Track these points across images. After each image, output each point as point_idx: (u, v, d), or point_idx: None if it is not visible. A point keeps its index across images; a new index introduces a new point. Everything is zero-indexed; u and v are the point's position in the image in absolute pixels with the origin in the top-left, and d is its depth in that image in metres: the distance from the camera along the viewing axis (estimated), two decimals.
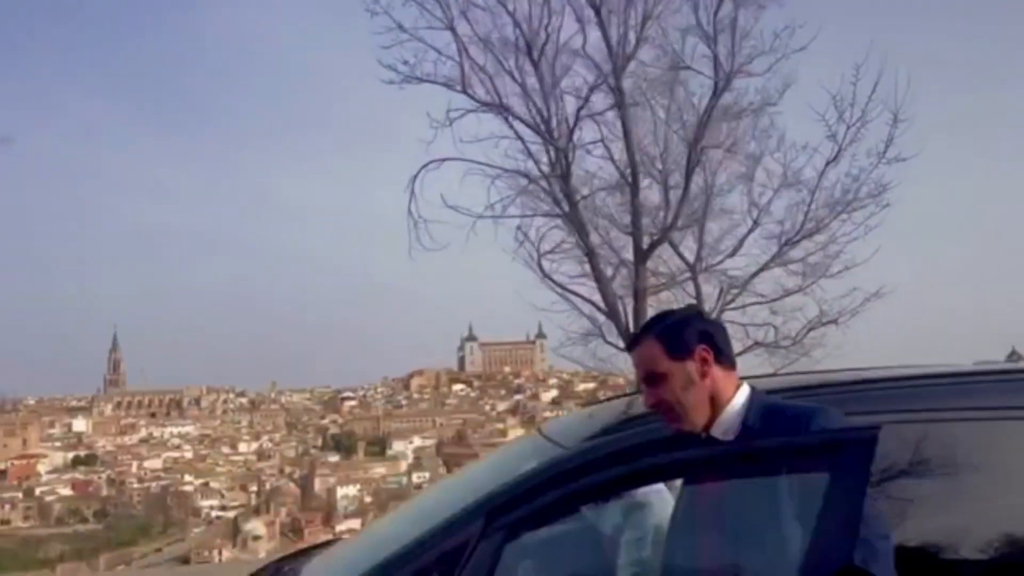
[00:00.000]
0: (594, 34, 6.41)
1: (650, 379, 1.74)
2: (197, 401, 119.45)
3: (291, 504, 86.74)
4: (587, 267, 7.01)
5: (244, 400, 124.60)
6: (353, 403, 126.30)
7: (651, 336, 1.73)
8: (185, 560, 69.61)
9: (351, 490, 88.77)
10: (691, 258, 7.02)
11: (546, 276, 6.98)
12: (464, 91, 6.34)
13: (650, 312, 6.68)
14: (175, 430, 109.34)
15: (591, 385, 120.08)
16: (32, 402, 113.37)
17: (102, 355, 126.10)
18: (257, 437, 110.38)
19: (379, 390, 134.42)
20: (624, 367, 7.07)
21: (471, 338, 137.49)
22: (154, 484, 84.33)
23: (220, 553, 69.01)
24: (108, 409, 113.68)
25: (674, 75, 6.50)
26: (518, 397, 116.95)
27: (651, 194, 6.86)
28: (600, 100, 6.51)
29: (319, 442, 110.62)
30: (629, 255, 7.04)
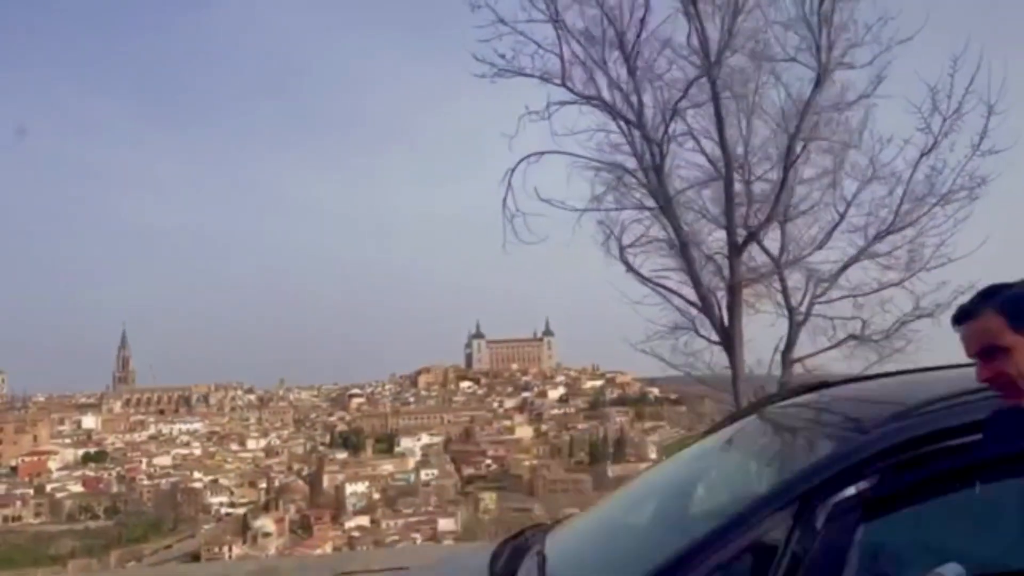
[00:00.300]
0: (689, 26, 6.38)
1: (987, 352, 1.69)
2: (205, 398, 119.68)
3: (300, 501, 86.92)
4: (673, 261, 7.00)
5: (252, 397, 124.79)
6: (361, 400, 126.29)
7: (991, 308, 1.67)
8: (195, 557, 69.78)
9: (360, 487, 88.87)
10: (775, 251, 7.00)
11: (631, 269, 6.96)
12: (563, 84, 6.32)
13: (745, 307, 6.68)
14: (184, 427, 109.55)
15: (598, 383, 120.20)
16: (41, 399, 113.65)
17: (111, 352, 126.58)
18: (265, 434, 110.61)
19: (387, 387, 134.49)
20: (710, 360, 7.05)
21: (478, 335, 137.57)
22: (164, 481, 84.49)
23: (230, 549, 69.20)
24: (117, 406, 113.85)
25: (770, 68, 6.48)
26: (525, 394, 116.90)
27: (739, 188, 6.84)
28: (694, 92, 6.48)
29: (327, 439, 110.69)
30: (714, 249, 7.04)
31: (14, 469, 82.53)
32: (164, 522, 76.52)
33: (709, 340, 6.64)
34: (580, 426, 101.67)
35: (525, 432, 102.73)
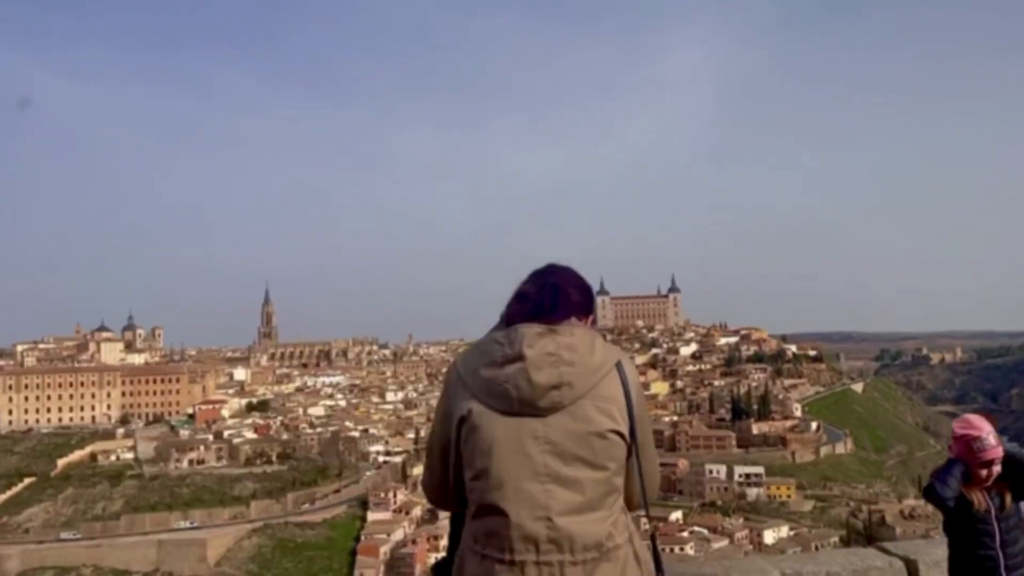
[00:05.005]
0: None
1: None
2: (344, 353, 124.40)
3: None
4: None
5: (387, 352, 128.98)
6: None
7: None
8: (363, 501, 73.46)
9: None
10: None
11: None
12: None
13: None
14: (326, 380, 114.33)
15: (732, 339, 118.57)
16: (193, 352, 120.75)
17: (255, 309, 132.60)
18: (402, 386, 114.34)
19: None
20: None
21: (602, 292, 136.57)
22: (323, 430, 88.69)
23: (395, 495, 72.38)
24: (263, 360, 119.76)
25: None
26: (655, 351, 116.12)
27: None
28: None
29: None
30: None
31: (191, 416, 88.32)
32: (330, 468, 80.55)
33: None
34: (717, 383, 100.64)
35: (660, 388, 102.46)
